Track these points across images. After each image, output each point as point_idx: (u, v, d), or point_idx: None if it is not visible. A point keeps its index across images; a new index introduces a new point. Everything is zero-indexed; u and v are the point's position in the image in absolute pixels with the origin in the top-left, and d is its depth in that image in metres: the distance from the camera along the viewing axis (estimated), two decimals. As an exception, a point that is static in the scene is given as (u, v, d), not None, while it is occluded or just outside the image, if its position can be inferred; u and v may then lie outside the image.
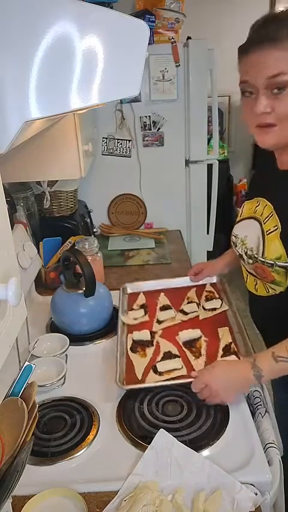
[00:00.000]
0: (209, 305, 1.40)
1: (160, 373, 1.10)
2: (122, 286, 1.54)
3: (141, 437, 0.98)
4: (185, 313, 1.39)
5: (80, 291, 1.37)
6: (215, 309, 1.38)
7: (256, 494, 0.84)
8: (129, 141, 2.41)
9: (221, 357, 1.16)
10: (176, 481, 0.86)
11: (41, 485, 0.87)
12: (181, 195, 2.54)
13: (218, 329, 1.28)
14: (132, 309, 1.44)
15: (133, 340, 1.27)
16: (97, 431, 1.03)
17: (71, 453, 0.97)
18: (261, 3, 3.22)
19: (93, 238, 1.76)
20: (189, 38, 2.26)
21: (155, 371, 1.12)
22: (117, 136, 2.40)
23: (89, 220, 2.32)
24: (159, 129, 2.39)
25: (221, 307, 1.38)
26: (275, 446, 0.95)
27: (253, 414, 1.04)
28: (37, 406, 0.83)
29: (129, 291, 1.56)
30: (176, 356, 1.17)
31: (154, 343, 1.26)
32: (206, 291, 1.51)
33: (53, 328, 1.47)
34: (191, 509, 0.81)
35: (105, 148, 2.42)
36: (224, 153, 3.50)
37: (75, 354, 1.31)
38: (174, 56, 2.23)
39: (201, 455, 0.92)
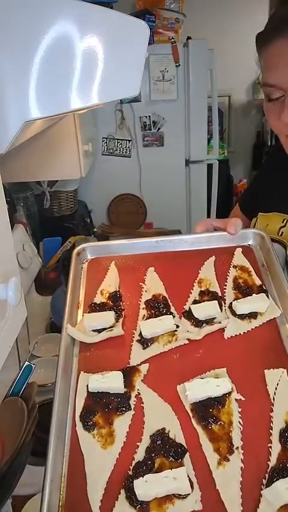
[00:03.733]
0: (244, 306, 0.67)
1: (142, 506, 0.47)
2: (77, 247, 0.80)
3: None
4: (197, 323, 0.66)
5: (80, 291, 1.36)
6: (255, 316, 0.67)
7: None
8: (129, 141, 2.41)
9: (278, 460, 0.49)
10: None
11: (41, 485, 0.87)
12: (181, 195, 2.54)
13: (266, 372, 0.59)
14: (92, 305, 0.71)
15: (89, 394, 0.58)
16: (97, 431, 1.02)
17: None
18: (261, 3, 3.22)
19: (93, 239, 1.76)
20: (189, 38, 2.26)
21: (131, 497, 0.47)
22: (117, 136, 2.41)
23: (89, 220, 2.32)
24: (159, 129, 2.39)
25: (267, 311, 0.67)
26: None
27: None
28: (37, 406, 0.83)
29: (89, 256, 0.80)
30: (179, 451, 0.51)
31: (132, 401, 0.57)
32: (235, 266, 0.76)
33: (53, 328, 1.47)
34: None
35: (105, 148, 2.42)
36: (224, 153, 3.50)
37: (75, 354, 1.30)
38: (174, 56, 2.23)
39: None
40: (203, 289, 0.72)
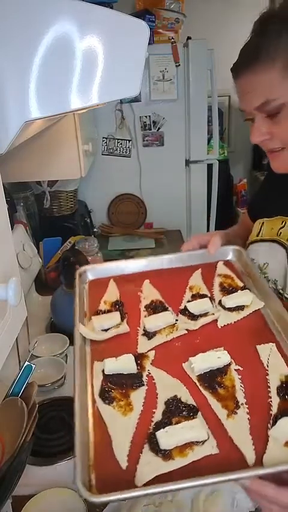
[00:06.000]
0: (231, 301, 0.78)
1: (164, 454, 0.53)
2: (78, 270, 0.90)
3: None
4: (192, 317, 0.77)
5: (80, 291, 1.37)
6: (242, 308, 0.77)
7: (256, 494, 0.84)
8: (129, 141, 2.41)
9: (279, 409, 0.58)
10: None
11: (41, 485, 0.87)
12: (181, 195, 2.54)
13: (258, 347, 0.69)
14: (98, 312, 0.80)
15: (105, 376, 0.65)
16: (97, 431, 1.02)
17: (70, 453, 0.97)
18: (261, 3, 3.22)
19: (93, 238, 1.76)
20: (189, 38, 2.26)
21: (155, 448, 0.54)
22: (117, 136, 2.40)
23: (89, 220, 2.32)
24: (159, 129, 2.39)
25: (251, 304, 0.78)
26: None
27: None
28: (37, 406, 0.83)
29: (90, 277, 0.90)
30: (192, 410, 0.59)
31: (144, 379, 0.65)
32: (219, 274, 0.87)
33: (53, 328, 1.47)
34: (190, 509, 0.81)
35: (105, 148, 2.42)
36: (224, 153, 3.49)
37: (75, 354, 1.30)
38: (174, 56, 2.23)
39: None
40: (194, 293, 0.83)
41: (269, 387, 0.62)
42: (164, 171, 2.47)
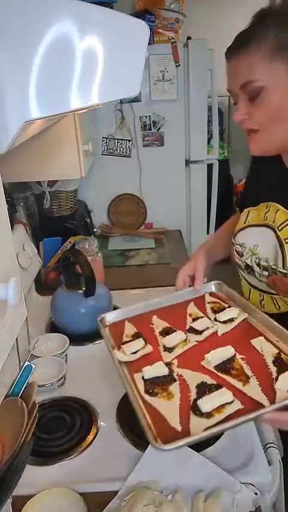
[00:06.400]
0: (223, 316, 1.04)
1: (207, 415, 0.76)
2: (99, 317, 1.12)
3: (141, 437, 0.98)
4: (198, 332, 1.02)
5: (80, 291, 1.37)
6: (232, 320, 1.03)
7: (256, 494, 0.84)
8: (129, 141, 2.41)
9: (277, 372, 0.84)
10: (176, 480, 0.86)
11: (41, 485, 0.87)
12: (181, 195, 2.54)
13: (251, 341, 0.95)
14: (124, 342, 1.02)
15: (145, 380, 0.87)
16: (97, 431, 1.03)
17: (70, 453, 0.97)
18: (261, 3, 3.21)
19: (93, 238, 1.76)
20: (189, 38, 2.26)
21: (198, 412, 0.77)
22: (117, 136, 2.40)
23: (89, 220, 2.32)
24: (159, 129, 2.39)
25: (239, 316, 1.04)
26: (275, 446, 0.95)
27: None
28: (37, 406, 0.84)
29: (108, 321, 1.13)
30: (217, 386, 0.82)
31: (176, 376, 0.88)
32: (208, 302, 1.15)
33: (53, 328, 1.47)
34: (191, 509, 0.81)
35: (105, 148, 2.42)
36: (224, 153, 3.49)
37: (75, 354, 1.31)
38: (174, 56, 2.23)
39: (202, 455, 0.92)
40: (193, 317, 1.08)
41: (267, 363, 0.88)
42: (164, 171, 2.47)
